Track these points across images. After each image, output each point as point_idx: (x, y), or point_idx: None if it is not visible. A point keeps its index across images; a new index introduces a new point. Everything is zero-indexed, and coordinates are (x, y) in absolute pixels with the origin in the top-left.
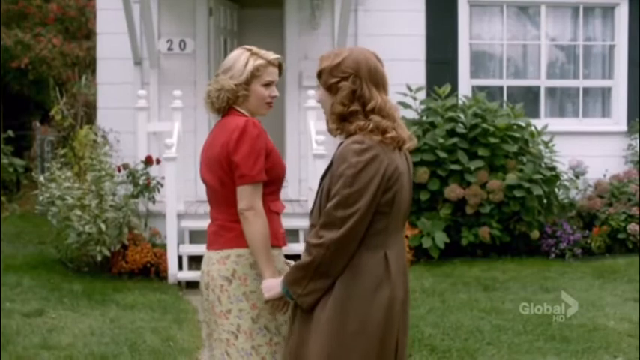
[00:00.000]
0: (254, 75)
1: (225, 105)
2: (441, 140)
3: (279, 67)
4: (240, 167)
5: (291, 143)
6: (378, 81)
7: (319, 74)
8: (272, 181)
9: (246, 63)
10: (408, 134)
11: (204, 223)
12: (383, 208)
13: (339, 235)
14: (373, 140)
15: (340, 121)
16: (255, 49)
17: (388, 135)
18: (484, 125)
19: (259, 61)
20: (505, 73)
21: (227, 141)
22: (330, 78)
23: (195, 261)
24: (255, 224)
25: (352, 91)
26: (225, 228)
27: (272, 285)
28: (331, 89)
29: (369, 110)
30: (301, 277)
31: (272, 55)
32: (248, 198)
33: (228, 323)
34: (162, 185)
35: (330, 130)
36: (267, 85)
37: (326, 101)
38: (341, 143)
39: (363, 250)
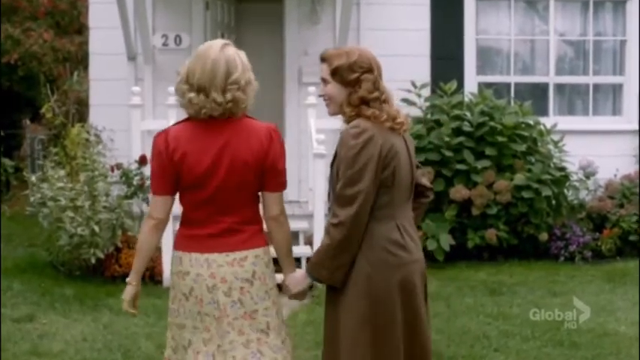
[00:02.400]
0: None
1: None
2: (446, 139)
3: None
4: (282, 174)
5: (291, 142)
6: (381, 74)
7: (334, 72)
8: None
9: (246, 60)
10: (405, 117)
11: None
12: (385, 182)
13: (354, 211)
14: (368, 123)
15: (358, 106)
16: (223, 40)
17: (398, 120)
18: (491, 123)
19: (243, 53)
20: (513, 69)
21: (264, 147)
22: (351, 74)
23: None
24: (287, 227)
25: (373, 82)
26: (233, 230)
27: (298, 279)
28: (350, 83)
29: (383, 100)
30: (324, 259)
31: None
32: (282, 203)
33: (256, 323)
34: None
35: (342, 113)
36: None
37: (338, 95)
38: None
39: (374, 222)
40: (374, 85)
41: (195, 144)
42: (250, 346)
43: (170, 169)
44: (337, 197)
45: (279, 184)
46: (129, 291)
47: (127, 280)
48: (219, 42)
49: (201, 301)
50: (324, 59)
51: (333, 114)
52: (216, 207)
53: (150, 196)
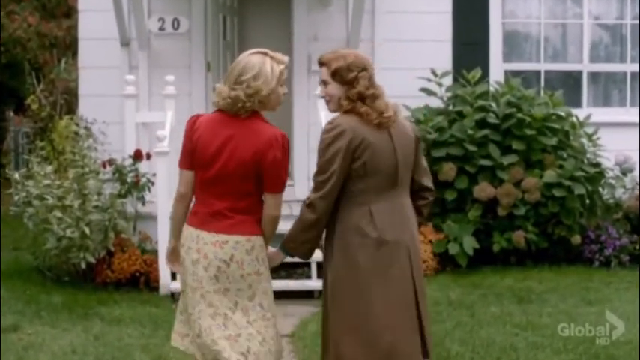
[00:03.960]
0: (279, 79)
1: (251, 109)
2: (469, 132)
3: None
4: (279, 178)
5: (300, 136)
6: (374, 73)
7: (334, 73)
8: None
9: (272, 68)
10: (394, 111)
11: None
12: (357, 172)
13: (321, 194)
14: (344, 119)
15: (355, 101)
16: (269, 52)
17: (386, 115)
18: (519, 115)
19: (281, 66)
20: (543, 56)
21: (261, 151)
22: (349, 73)
23: None
24: (273, 227)
25: (369, 79)
26: (223, 215)
27: (273, 254)
28: (349, 82)
29: (377, 95)
30: (294, 234)
31: (285, 58)
32: (278, 205)
33: (226, 300)
34: (153, 183)
35: (340, 107)
36: (283, 84)
37: (337, 94)
38: None
39: (351, 206)
40: (369, 82)
41: (210, 130)
42: (216, 318)
43: (189, 147)
44: (313, 184)
45: (276, 186)
46: (167, 248)
47: (168, 241)
48: (258, 50)
49: (186, 271)
50: (322, 63)
51: (333, 111)
52: (215, 190)
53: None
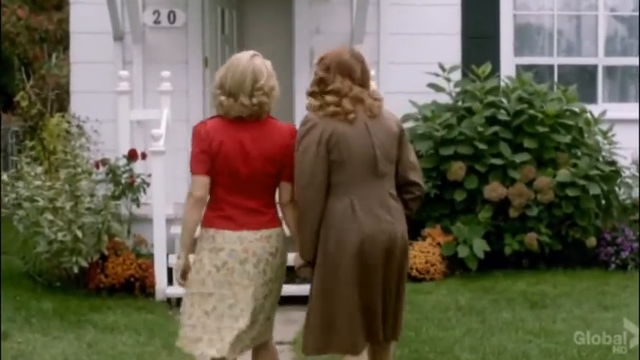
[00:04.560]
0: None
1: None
2: (479, 129)
3: None
4: (294, 167)
5: None
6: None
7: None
8: None
9: (270, 67)
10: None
11: (197, 229)
12: (335, 163)
13: (301, 184)
14: (314, 115)
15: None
16: (254, 52)
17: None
18: (531, 111)
19: (269, 62)
20: (556, 49)
21: (287, 143)
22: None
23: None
24: (296, 211)
25: (318, 76)
26: (259, 212)
27: (296, 257)
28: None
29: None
30: (297, 237)
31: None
32: (292, 192)
33: (267, 289)
34: (148, 184)
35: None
36: None
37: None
38: None
39: (332, 199)
40: (320, 79)
41: (230, 136)
42: (270, 297)
43: (208, 153)
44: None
45: (292, 174)
46: (179, 265)
47: (177, 255)
48: (248, 53)
49: (233, 272)
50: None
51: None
52: (247, 190)
53: (191, 177)
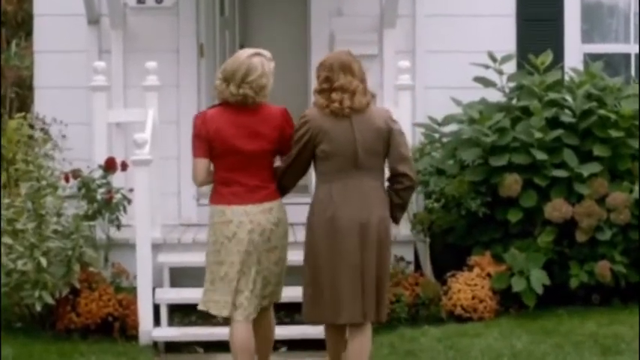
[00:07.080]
0: (272, 74)
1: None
2: (538, 134)
3: None
4: (291, 140)
5: None
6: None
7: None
8: None
9: (269, 67)
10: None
11: (191, 257)
12: (320, 155)
13: (285, 165)
14: (309, 111)
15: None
16: (261, 51)
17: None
18: (601, 112)
19: (272, 63)
20: (632, 35)
21: (281, 124)
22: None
23: (179, 312)
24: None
25: (323, 76)
26: (261, 187)
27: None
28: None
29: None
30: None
31: (271, 55)
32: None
33: (273, 256)
34: (130, 201)
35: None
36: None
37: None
38: None
39: (319, 183)
40: (323, 78)
41: (226, 120)
42: (263, 272)
43: (206, 139)
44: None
45: (288, 149)
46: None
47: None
48: (251, 51)
49: (242, 241)
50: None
51: None
52: (248, 169)
53: (192, 160)
